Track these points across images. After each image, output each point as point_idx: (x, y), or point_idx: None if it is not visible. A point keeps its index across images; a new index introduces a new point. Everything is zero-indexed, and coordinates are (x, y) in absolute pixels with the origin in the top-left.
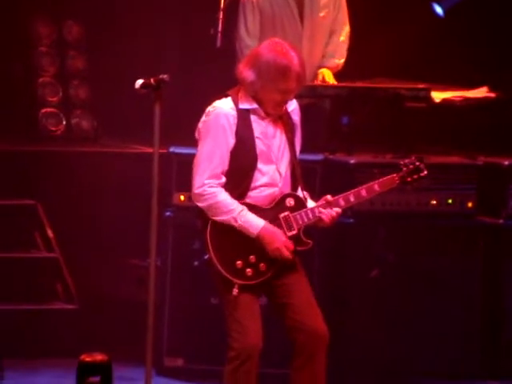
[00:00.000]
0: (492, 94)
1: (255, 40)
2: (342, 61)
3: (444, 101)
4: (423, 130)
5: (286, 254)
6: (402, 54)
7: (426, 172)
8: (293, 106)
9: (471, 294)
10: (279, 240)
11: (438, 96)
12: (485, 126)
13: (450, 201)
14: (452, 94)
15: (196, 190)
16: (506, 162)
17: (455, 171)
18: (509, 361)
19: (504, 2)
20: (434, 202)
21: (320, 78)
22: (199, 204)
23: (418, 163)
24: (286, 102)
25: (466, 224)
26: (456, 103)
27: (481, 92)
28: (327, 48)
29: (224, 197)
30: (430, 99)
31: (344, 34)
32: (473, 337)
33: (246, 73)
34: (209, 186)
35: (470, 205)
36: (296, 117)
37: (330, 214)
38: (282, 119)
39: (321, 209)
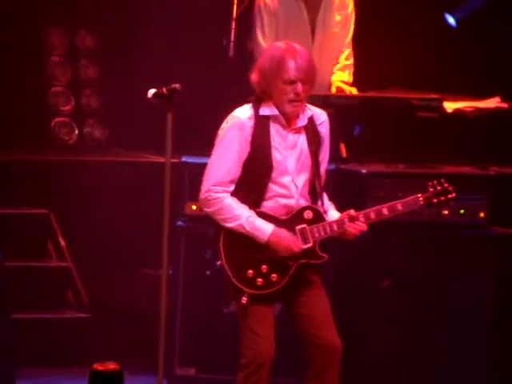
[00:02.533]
0: (504, 105)
1: None
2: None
3: (456, 111)
4: (435, 140)
5: (298, 249)
6: (415, 64)
7: (454, 194)
8: (322, 119)
9: (483, 304)
10: (288, 239)
11: (450, 106)
12: (497, 136)
13: (461, 211)
14: (464, 104)
15: (202, 195)
16: None
17: (467, 181)
18: None
19: None
20: (446, 213)
21: (340, 88)
22: (206, 209)
23: (446, 185)
24: (298, 99)
25: (477, 234)
26: (468, 113)
27: (493, 102)
28: (340, 65)
29: (230, 201)
30: (442, 109)
31: (351, 56)
32: (485, 349)
33: (253, 76)
34: (215, 192)
35: (481, 215)
36: (324, 129)
37: (360, 227)
38: (306, 130)
39: (346, 221)
